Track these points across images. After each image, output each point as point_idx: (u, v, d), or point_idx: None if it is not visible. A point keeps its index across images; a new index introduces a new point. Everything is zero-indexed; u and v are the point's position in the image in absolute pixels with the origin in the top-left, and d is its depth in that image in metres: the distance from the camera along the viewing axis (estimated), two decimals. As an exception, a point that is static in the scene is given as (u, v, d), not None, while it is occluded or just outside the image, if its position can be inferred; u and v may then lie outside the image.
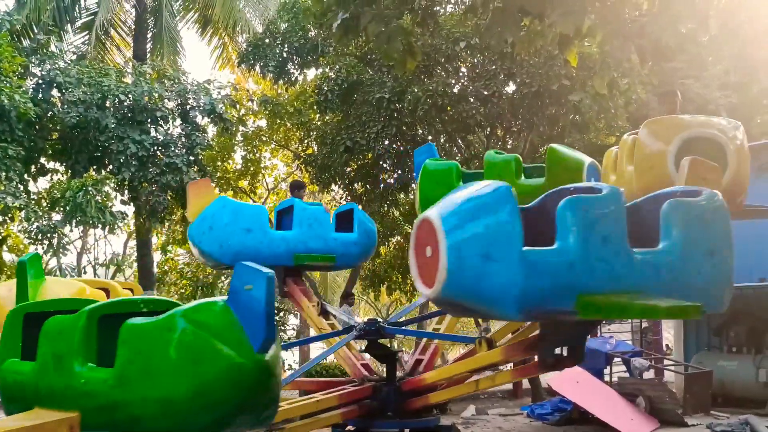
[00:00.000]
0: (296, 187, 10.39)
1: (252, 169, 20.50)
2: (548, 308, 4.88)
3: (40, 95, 14.20)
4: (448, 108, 15.29)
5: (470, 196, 5.07)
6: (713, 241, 5.19)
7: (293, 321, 20.84)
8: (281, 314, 16.54)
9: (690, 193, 5.37)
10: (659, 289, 4.94)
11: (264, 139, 20.43)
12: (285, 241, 8.76)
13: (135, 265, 25.42)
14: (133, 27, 20.75)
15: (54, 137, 14.91)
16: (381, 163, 16.78)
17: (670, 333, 18.96)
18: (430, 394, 7.23)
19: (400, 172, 17.10)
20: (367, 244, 9.12)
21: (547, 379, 14.30)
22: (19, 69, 13.60)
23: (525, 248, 4.76)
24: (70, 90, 14.22)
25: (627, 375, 14.27)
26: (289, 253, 8.63)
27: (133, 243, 25.09)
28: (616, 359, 14.78)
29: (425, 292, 5.06)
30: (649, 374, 14.55)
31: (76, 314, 5.35)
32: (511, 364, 8.45)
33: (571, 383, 12.44)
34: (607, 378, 14.44)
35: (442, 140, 16.97)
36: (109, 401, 4.88)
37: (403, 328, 8.94)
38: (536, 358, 6.38)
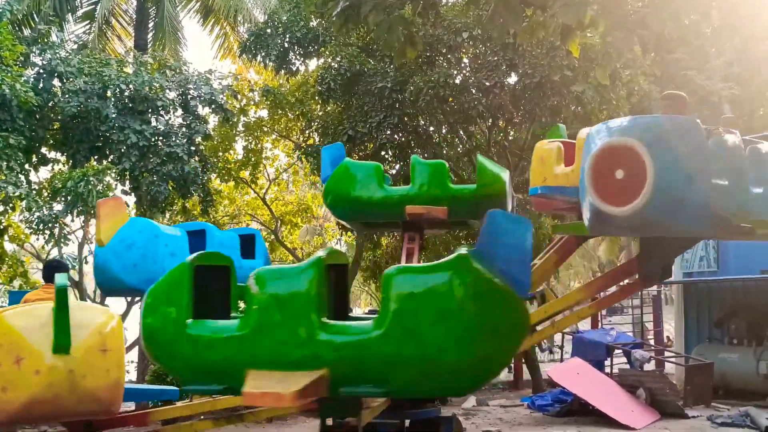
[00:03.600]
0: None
1: (253, 159, 20.47)
2: None
3: (41, 85, 14.15)
4: (450, 99, 15.25)
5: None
6: None
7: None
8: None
9: None
10: None
11: (265, 129, 20.39)
12: None
13: (136, 255, 25.39)
14: (135, 17, 20.70)
15: (55, 127, 14.88)
16: (383, 153, 16.76)
17: (671, 325, 18.96)
18: None
19: (402, 163, 17.07)
20: None
21: (548, 370, 14.32)
22: (20, 58, 13.57)
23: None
24: (70, 80, 14.19)
25: (628, 367, 14.29)
26: None
27: (134, 233, 25.02)
28: (616, 351, 14.80)
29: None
30: (649, 366, 14.57)
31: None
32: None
33: (572, 375, 12.47)
34: (607, 369, 14.46)
35: (443, 131, 16.94)
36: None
37: None
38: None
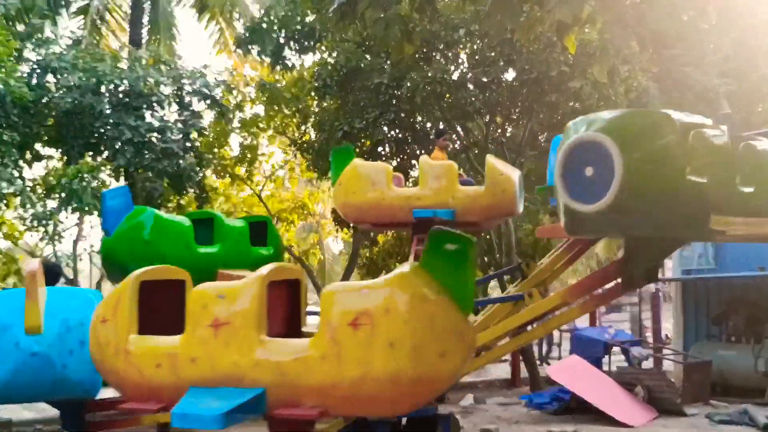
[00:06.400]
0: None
1: (249, 155, 20.35)
2: None
3: (35, 80, 14.05)
4: (447, 95, 15.17)
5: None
6: None
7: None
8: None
9: None
10: None
11: (261, 125, 20.28)
12: None
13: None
14: (129, 12, 20.59)
15: (49, 123, 14.78)
16: (379, 149, 16.67)
17: (669, 323, 18.94)
18: None
19: (398, 159, 16.99)
20: None
21: (546, 368, 14.27)
22: (14, 54, 13.47)
23: None
24: (65, 75, 14.08)
25: (626, 364, 14.25)
26: None
27: (130, 230, 24.91)
28: (615, 348, 14.75)
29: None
30: (648, 364, 14.53)
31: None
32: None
33: (570, 372, 12.43)
34: (605, 367, 14.40)
35: (440, 127, 16.85)
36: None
37: None
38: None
